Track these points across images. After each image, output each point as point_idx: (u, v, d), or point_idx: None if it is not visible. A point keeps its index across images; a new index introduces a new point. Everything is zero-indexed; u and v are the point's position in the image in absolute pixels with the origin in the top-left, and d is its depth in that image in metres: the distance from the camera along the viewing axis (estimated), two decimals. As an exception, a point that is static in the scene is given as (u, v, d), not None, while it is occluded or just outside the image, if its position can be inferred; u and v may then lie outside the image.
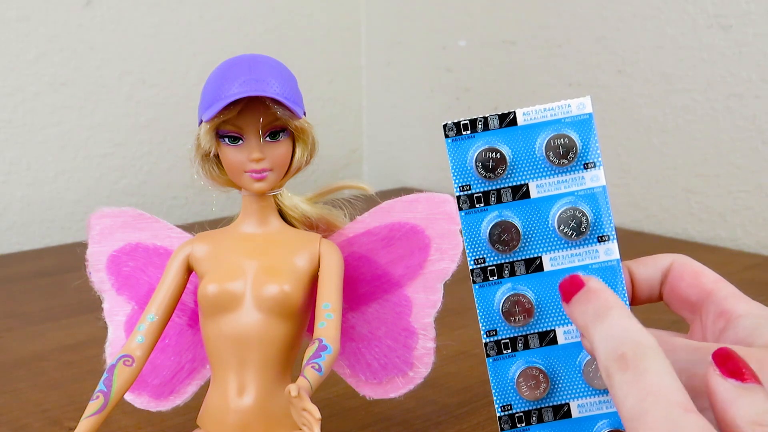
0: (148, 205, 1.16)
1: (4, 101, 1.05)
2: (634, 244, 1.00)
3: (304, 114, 0.47)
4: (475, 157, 0.38)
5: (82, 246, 0.53)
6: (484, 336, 0.39)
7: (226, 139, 0.46)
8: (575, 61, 1.11)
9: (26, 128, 1.07)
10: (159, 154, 1.18)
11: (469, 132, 0.39)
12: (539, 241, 0.39)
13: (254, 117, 0.46)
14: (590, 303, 0.34)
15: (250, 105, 0.46)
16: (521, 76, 1.18)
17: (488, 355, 0.39)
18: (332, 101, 1.35)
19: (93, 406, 0.45)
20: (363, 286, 0.51)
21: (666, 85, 1.03)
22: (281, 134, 0.47)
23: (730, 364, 0.31)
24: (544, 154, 0.38)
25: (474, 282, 0.39)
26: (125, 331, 0.52)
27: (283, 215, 0.50)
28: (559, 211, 0.38)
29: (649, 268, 0.41)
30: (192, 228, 0.53)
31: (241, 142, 0.46)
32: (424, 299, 0.50)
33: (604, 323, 0.33)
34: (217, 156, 0.48)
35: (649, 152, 1.06)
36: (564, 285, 0.36)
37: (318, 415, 0.39)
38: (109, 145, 1.14)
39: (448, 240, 0.50)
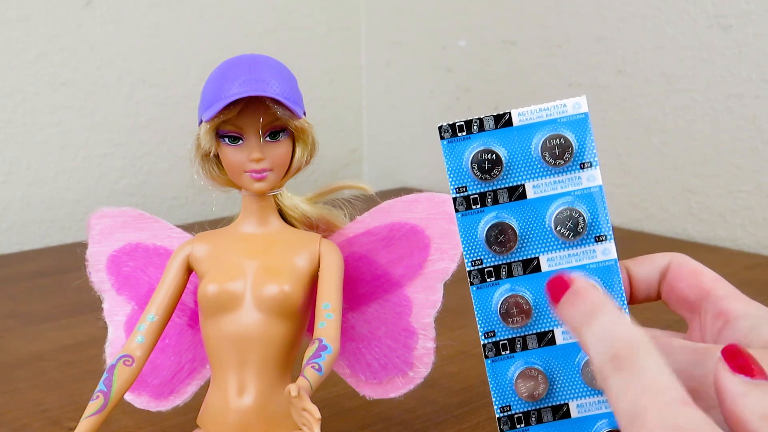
0: (148, 205, 1.16)
1: (4, 101, 1.05)
2: (634, 243, 1.00)
3: (304, 114, 0.47)
4: (470, 159, 0.38)
5: (82, 246, 0.53)
6: (483, 337, 0.39)
7: (226, 139, 0.47)
8: (575, 61, 1.11)
9: (26, 128, 1.07)
10: (159, 154, 1.18)
11: (464, 133, 0.39)
12: (536, 242, 0.39)
13: (254, 117, 0.46)
14: (578, 305, 0.34)
15: (250, 105, 0.46)
16: (521, 76, 1.18)
17: (486, 357, 0.39)
18: (332, 101, 1.35)
19: (93, 406, 0.45)
20: (363, 286, 0.51)
21: (666, 85, 1.03)
22: (281, 134, 0.47)
23: (739, 360, 0.31)
24: (540, 154, 0.38)
25: (471, 284, 0.39)
26: (125, 331, 0.52)
27: (283, 215, 0.50)
28: (556, 212, 0.38)
29: (647, 267, 0.41)
30: (192, 228, 0.53)
31: (241, 142, 0.46)
32: (424, 299, 0.50)
33: (594, 324, 0.33)
34: (217, 156, 0.48)
35: (649, 152, 1.06)
36: (550, 286, 0.35)
37: (318, 415, 0.39)
38: (109, 145, 1.14)
39: (448, 240, 0.50)
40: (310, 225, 0.51)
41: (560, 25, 1.12)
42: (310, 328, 0.48)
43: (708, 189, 1.01)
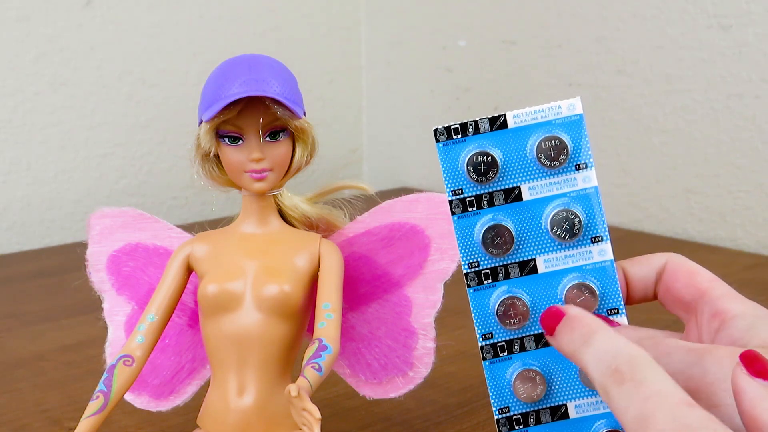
0: (148, 205, 1.16)
1: (4, 101, 1.05)
2: (634, 243, 1.00)
3: (304, 114, 0.47)
4: (466, 161, 0.38)
5: (82, 246, 0.53)
6: (480, 339, 0.39)
7: (226, 139, 0.47)
8: (575, 61, 1.11)
9: (26, 128, 1.07)
10: (159, 154, 1.18)
11: (459, 136, 0.39)
12: (533, 244, 0.39)
13: (254, 117, 0.46)
14: (575, 330, 0.35)
15: (250, 105, 0.46)
16: (521, 76, 1.18)
17: (484, 359, 0.39)
18: (332, 101, 1.35)
19: (93, 406, 0.45)
20: (363, 286, 0.51)
21: (666, 85, 1.03)
22: (281, 134, 0.47)
23: (757, 366, 0.32)
24: (536, 156, 0.38)
25: (468, 286, 0.39)
26: (125, 331, 0.52)
27: (283, 215, 0.50)
28: (552, 213, 0.38)
29: (643, 268, 0.41)
30: (192, 228, 0.53)
31: (241, 142, 0.46)
32: (424, 299, 0.50)
33: (591, 345, 0.34)
34: (216, 156, 0.48)
35: (649, 152, 1.06)
36: (545, 318, 0.36)
37: (318, 415, 0.39)
38: (109, 145, 1.14)
39: (448, 240, 0.50)
40: (310, 225, 0.51)
41: (560, 25, 1.12)
42: (311, 328, 0.48)
43: (708, 189, 1.01)
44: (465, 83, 1.25)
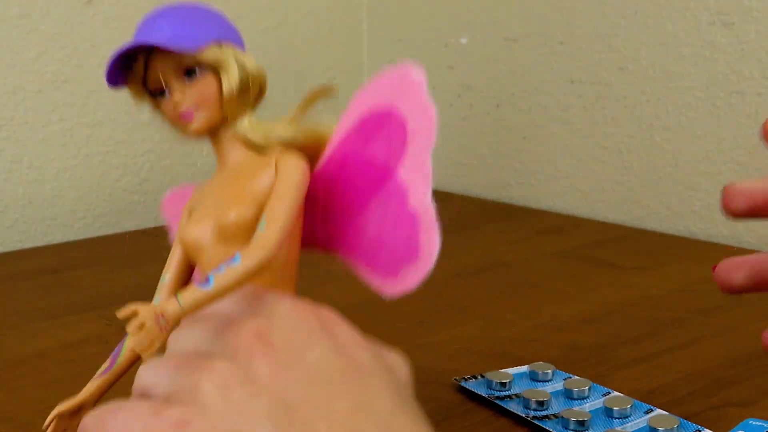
0: (149, 203, 1.16)
1: (6, 99, 1.05)
2: (636, 241, 1.00)
3: (225, 43, 0.46)
4: None
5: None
6: None
7: (159, 95, 0.47)
8: (577, 58, 1.11)
9: (27, 126, 1.07)
10: (160, 152, 1.18)
11: None
12: None
13: (162, 66, 0.46)
14: None
15: (154, 57, 0.46)
16: (523, 74, 1.18)
17: None
18: (334, 99, 1.35)
19: (101, 370, 0.45)
20: (359, 187, 0.48)
21: (668, 82, 1.03)
22: (196, 72, 0.46)
23: None
24: None
25: None
26: None
27: (254, 149, 0.48)
28: None
29: None
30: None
31: (167, 93, 0.47)
32: (416, 177, 0.46)
33: None
34: None
35: (651, 149, 1.06)
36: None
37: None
38: (111, 143, 1.14)
39: (419, 107, 0.46)
40: (299, 149, 0.48)
41: (562, 22, 1.12)
42: (304, 243, 0.48)
43: (710, 186, 1.01)
44: (467, 81, 1.25)
